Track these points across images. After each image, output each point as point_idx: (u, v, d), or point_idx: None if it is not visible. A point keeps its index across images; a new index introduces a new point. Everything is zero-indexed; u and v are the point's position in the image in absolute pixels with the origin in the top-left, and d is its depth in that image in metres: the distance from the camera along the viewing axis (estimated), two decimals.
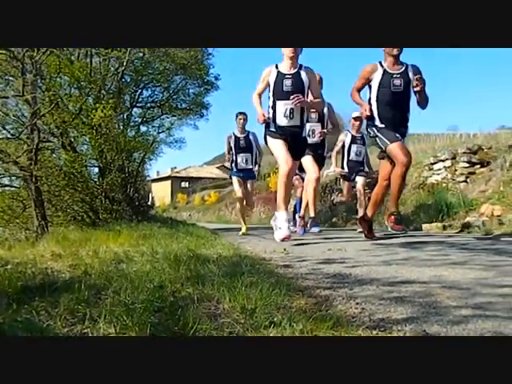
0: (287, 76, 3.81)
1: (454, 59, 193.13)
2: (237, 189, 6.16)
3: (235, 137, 6.08)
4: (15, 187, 7.51)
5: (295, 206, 6.26)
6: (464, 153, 6.65)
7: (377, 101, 3.71)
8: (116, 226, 5.09)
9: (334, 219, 9.15)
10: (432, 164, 7.26)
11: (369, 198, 4.46)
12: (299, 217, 5.36)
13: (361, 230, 4.40)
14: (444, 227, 5.16)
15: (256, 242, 4.11)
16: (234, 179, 6.15)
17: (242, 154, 6.03)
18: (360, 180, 5.56)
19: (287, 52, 3.79)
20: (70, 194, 6.69)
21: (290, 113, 3.77)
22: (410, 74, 3.65)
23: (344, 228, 7.67)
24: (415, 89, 3.62)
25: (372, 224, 4.00)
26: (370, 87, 3.77)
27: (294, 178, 4.96)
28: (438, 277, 1.78)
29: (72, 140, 6.94)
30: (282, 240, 3.50)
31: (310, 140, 4.61)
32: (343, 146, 5.71)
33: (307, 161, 4.85)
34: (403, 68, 3.70)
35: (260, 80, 3.92)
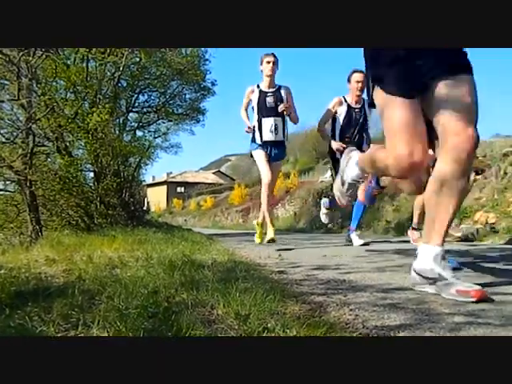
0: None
1: None
2: (264, 169, 4.24)
3: (260, 92, 4.30)
4: (9, 191, 7.46)
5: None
6: None
7: None
8: (111, 231, 5.07)
9: (329, 225, 9.15)
10: None
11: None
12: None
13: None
14: None
15: (251, 248, 4.12)
16: (259, 155, 4.31)
17: (270, 118, 4.23)
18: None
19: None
20: (65, 199, 6.65)
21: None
22: None
23: (340, 234, 7.68)
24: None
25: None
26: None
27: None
28: None
29: (67, 144, 6.91)
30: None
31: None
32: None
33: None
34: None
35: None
